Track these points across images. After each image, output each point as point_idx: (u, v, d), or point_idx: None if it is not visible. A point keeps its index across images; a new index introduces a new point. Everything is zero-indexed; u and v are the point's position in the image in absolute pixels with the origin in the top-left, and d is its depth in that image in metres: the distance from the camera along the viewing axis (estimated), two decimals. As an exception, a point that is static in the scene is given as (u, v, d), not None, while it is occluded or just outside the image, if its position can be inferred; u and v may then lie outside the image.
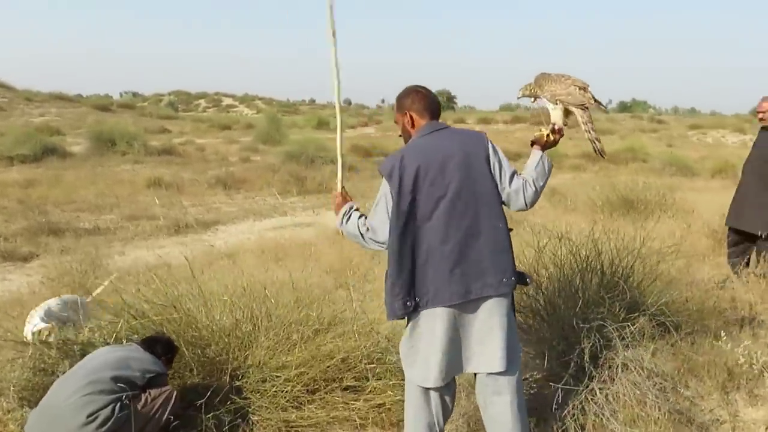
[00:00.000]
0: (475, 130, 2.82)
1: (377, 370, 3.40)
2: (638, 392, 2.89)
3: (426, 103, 2.79)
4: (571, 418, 2.90)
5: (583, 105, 2.77)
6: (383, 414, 3.31)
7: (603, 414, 2.85)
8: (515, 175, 2.70)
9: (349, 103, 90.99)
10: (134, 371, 2.92)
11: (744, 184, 5.64)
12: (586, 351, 3.11)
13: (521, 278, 2.74)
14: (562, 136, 2.82)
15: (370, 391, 3.35)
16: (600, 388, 2.98)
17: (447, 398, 2.74)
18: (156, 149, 21.59)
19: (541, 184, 2.73)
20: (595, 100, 2.79)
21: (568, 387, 2.99)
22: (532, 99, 2.87)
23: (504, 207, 2.72)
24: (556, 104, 2.81)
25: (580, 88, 2.78)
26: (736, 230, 5.52)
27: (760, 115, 5.62)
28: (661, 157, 21.11)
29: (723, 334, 3.45)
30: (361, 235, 2.73)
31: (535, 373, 3.33)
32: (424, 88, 2.86)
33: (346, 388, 3.37)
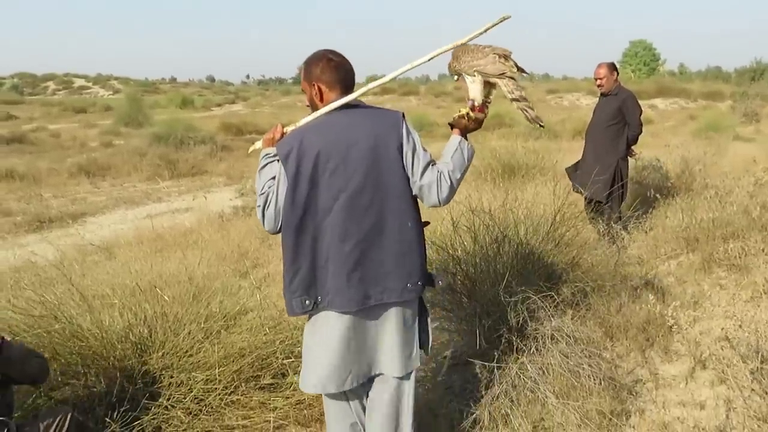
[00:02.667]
0: (392, 110, 2.41)
1: (294, 365, 3.15)
2: (570, 362, 2.84)
3: (339, 75, 2.36)
4: (505, 396, 2.81)
5: (503, 74, 2.42)
6: (305, 411, 3.10)
7: (537, 388, 2.78)
8: (430, 166, 2.34)
9: (213, 80, 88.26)
10: None
11: (585, 150, 5.94)
12: (513, 325, 3.03)
13: (430, 280, 2.45)
14: (485, 114, 2.47)
15: (289, 388, 3.11)
16: (530, 362, 2.90)
17: (365, 400, 2.51)
18: (4, 138, 19.84)
19: (458, 176, 2.37)
20: (518, 68, 2.45)
21: (498, 365, 2.89)
22: (455, 76, 2.52)
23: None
24: (474, 76, 2.46)
25: (500, 56, 2.43)
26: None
27: (598, 82, 5.87)
28: (525, 121, 22.02)
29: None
30: (260, 196, 2.34)
31: (463, 352, 3.22)
32: (337, 54, 2.41)
33: (263, 387, 3.11)
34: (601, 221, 5.29)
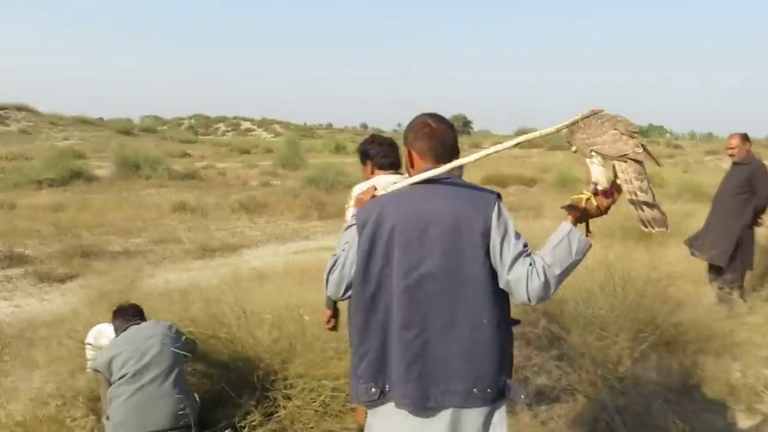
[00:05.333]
0: (486, 190, 2.16)
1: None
2: (646, 402, 3.17)
3: (431, 143, 2.16)
4: (581, 426, 3.19)
5: (625, 155, 1.99)
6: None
7: (613, 422, 3.14)
8: (521, 257, 2.01)
9: (366, 127, 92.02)
10: None
11: (709, 217, 6.06)
12: (600, 367, 3.41)
13: (509, 391, 2.08)
14: (613, 200, 2.08)
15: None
16: (611, 401, 3.26)
17: None
18: (179, 173, 22.16)
19: (558, 272, 2.00)
20: (645, 150, 2.00)
21: (585, 398, 3.28)
22: (573, 149, 2.14)
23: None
24: (592, 156, 2.07)
25: (622, 134, 2.00)
26: None
27: (729, 151, 6.01)
28: (678, 182, 21.38)
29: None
30: (332, 257, 2.20)
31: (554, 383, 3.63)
32: (437, 120, 2.21)
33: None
34: (718, 285, 5.42)
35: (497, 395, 2.05)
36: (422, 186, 2.10)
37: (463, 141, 51.50)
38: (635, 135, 2.01)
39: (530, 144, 47.84)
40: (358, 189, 3.15)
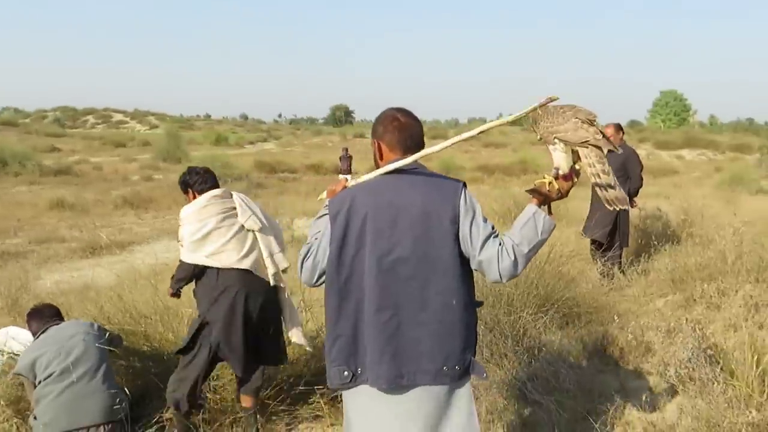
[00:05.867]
0: (452, 179, 2.26)
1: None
2: (552, 369, 3.54)
3: (399, 136, 2.26)
4: (501, 396, 3.50)
5: (586, 141, 2.14)
6: (338, 404, 3.78)
7: (526, 388, 3.48)
8: (491, 238, 2.14)
9: (246, 118, 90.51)
10: None
11: (592, 199, 6.63)
12: (509, 340, 3.74)
13: (473, 369, 2.22)
14: (572, 183, 2.23)
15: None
16: (522, 369, 3.60)
17: None
18: (51, 169, 21.09)
19: (526, 250, 2.12)
20: (603, 135, 2.15)
21: (497, 368, 3.60)
22: (538, 138, 2.26)
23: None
24: (555, 143, 2.21)
25: (583, 122, 2.16)
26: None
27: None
28: (551, 167, 22.81)
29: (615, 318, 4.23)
30: (305, 245, 2.28)
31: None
32: (405, 114, 2.31)
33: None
34: (600, 262, 5.98)
35: (464, 372, 2.18)
36: (392, 176, 2.19)
37: (345, 130, 51.92)
38: (594, 122, 2.16)
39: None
40: (186, 211, 3.46)
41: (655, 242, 6.63)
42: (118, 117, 68.60)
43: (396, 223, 2.13)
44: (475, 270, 2.20)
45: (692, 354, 3.70)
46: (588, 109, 2.20)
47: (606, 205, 2.22)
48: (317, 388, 3.65)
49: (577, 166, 2.22)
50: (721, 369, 3.32)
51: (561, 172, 2.20)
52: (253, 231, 3.44)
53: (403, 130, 2.27)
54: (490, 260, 2.11)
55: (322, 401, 3.71)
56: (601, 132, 2.15)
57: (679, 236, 7.04)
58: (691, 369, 3.46)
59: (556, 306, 4.08)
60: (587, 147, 2.15)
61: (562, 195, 2.22)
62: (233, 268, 3.32)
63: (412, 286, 2.13)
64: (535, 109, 2.17)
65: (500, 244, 2.13)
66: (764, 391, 3.22)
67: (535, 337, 3.80)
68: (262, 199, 16.24)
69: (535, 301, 4.07)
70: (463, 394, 2.20)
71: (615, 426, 3.39)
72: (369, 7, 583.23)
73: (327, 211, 2.24)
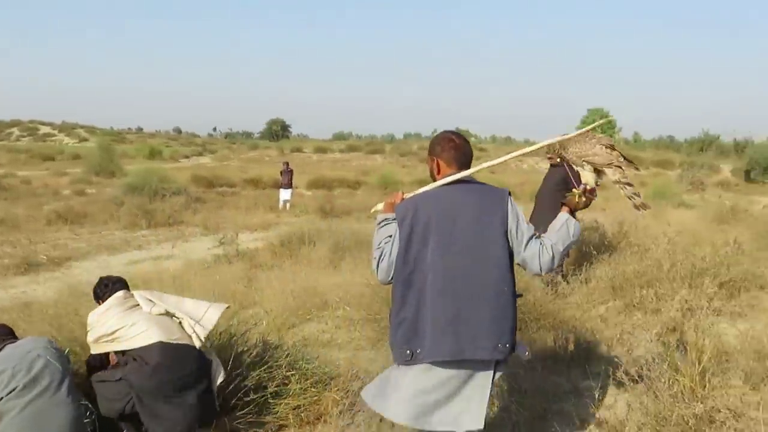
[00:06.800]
0: (499, 188, 2.73)
1: (296, 376, 3.93)
2: (510, 372, 3.73)
3: (456, 154, 2.73)
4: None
5: (611, 163, 2.72)
6: (301, 414, 3.84)
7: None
8: (532, 239, 2.63)
9: (179, 132, 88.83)
10: None
11: (533, 211, 6.88)
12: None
13: (518, 347, 2.67)
14: (594, 197, 2.79)
15: (292, 395, 3.87)
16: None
17: None
18: (-25, 183, 20.26)
19: (561, 249, 2.65)
20: (624, 158, 2.74)
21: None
22: (557, 160, 2.70)
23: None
24: (584, 166, 2.76)
25: (606, 147, 2.72)
26: None
27: (549, 154, 6.93)
28: (486, 180, 23.36)
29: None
30: (376, 250, 2.69)
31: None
32: (458, 136, 2.81)
33: (270, 395, 3.85)
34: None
35: (512, 349, 2.59)
36: (449, 186, 2.66)
37: (283, 144, 51.73)
38: (615, 148, 2.73)
39: (349, 147, 48.91)
40: (92, 317, 3.54)
41: (594, 252, 6.93)
42: (45, 129, 66.44)
43: (455, 224, 2.57)
44: (518, 264, 2.65)
45: (638, 354, 3.95)
46: (607, 138, 2.78)
47: (635, 209, 2.86)
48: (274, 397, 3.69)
49: (598, 183, 2.77)
50: (667, 366, 3.56)
51: (588, 187, 2.74)
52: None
53: (458, 149, 2.74)
54: (533, 256, 2.60)
55: (287, 410, 3.77)
56: (622, 155, 2.72)
57: (616, 246, 7.38)
58: (638, 368, 3.68)
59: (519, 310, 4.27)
60: (612, 168, 2.72)
61: (586, 205, 2.78)
62: (153, 344, 3.34)
63: (470, 276, 2.54)
64: (593, 127, 2.86)
65: (541, 244, 2.63)
66: (705, 385, 3.49)
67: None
68: (202, 213, 16.07)
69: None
70: (490, 378, 2.60)
71: (570, 423, 3.59)
72: (294, 20, 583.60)
73: (388, 220, 2.70)
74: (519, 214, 2.65)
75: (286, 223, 14.49)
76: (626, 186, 2.76)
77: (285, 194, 18.87)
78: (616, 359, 4.18)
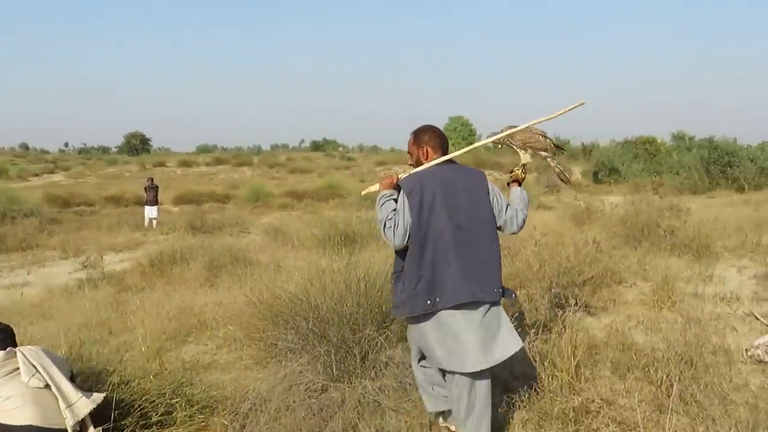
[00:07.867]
0: (476, 168, 3.45)
1: (181, 403, 3.78)
2: (398, 380, 3.79)
3: (440, 141, 3.42)
4: (353, 410, 3.66)
5: (546, 148, 3.60)
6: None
7: (376, 400, 3.67)
8: (508, 206, 3.38)
9: (27, 148, 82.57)
10: None
11: None
12: (357, 356, 3.92)
13: (507, 291, 3.34)
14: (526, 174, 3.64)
15: (178, 423, 3.71)
16: (371, 384, 3.79)
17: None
18: None
19: (526, 212, 3.44)
20: (555, 145, 3.64)
21: (347, 386, 3.75)
22: (498, 144, 3.56)
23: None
24: (526, 150, 3.58)
25: (542, 136, 3.58)
26: None
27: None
28: (357, 191, 23.56)
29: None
30: (385, 223, 3.17)
31: (323, 380, 4.03)
32: (438, 128, 3.48)
33: (155, 425, 3.67)
34: None
35: (502, 293, 3.28)
36: (443, 166, 3.33)
37: (144, 159, 49.50)
38: (547, 137, 3.60)
39: (216, 160, 47.44)
40: None
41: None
42: None
43: (454, 196, 3.22)
44: (499, 226, 3.35)
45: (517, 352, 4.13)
46: (542, 129, 3.60)
47: (559, 179, 3.86)
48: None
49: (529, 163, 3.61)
50: (548, 363, 3.76)
51: (528, 167, 3.61)
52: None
53: (441, 137, 3.46)
54: (511, 218, 3.36)
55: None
56: (552, 142, 3.62)
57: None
58: (519, 365, 3.87)
59: (396, 321, 4.33)
60: (546, 150, 3.62)
61: (523, 179, 3.59)
62: (23, 426, 3.07)
63: (473, 235, 3.21)
64: (515, 130, 3.52)
65: (515, 210, 3.39)
66: (581, 378, 3.72)
67: (381, 351, 4.02)
68: (60, 235, 15.03)
69: (377, 318, 4.29)
70: (502, 309, 3.31)
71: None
72: (155, 22, 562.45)
73: (388, 196, 3.27)
74: (495, 187, 3.36)
75: (154, 241, 13.88)
76: (557, 165, 3.71)
77: (151, 211, 18.09)
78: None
